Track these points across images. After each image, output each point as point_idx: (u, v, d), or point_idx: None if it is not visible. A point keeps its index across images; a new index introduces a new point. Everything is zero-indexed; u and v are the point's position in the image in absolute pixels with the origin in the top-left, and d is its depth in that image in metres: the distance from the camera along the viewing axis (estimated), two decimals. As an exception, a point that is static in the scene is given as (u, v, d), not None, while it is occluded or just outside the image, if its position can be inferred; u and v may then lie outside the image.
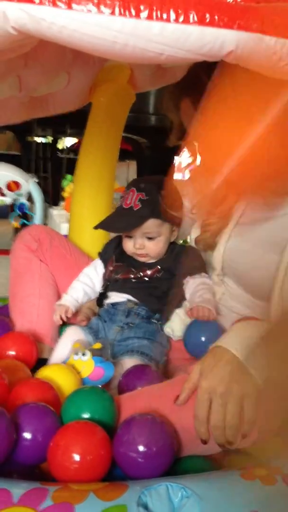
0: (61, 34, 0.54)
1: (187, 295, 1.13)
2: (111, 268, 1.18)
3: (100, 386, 0.93)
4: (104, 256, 1.22)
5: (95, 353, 0.98)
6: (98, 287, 1.21)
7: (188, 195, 1.17)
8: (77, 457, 0.70)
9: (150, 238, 1.11)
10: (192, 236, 1.20)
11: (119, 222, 1.10)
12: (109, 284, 1.18)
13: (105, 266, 1.21)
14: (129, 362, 1.02)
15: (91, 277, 1.21)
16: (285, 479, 0.70)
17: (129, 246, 1.13)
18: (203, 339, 1.01)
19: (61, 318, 1.15)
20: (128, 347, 1.07)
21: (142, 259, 1.14)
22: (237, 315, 1.03)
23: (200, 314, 1.03)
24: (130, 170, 5.06)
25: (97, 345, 0.99)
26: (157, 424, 0.75)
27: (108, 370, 0.95)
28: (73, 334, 1.11)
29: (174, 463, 0.76)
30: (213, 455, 0.83)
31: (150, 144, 3.58)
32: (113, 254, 1.20)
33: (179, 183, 1.18)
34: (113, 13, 0.51)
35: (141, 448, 0.71)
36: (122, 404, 0.84)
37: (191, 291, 1.11)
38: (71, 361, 0.98)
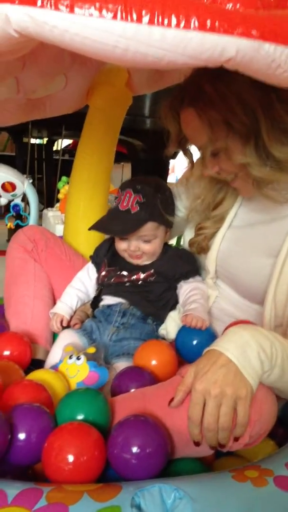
0: (62, 38, 0.54)
1: (180, 300, 1.13)
2: (104, 273, 1.17)
3: (94, 390, 0.94)
4: (96, 259, 1.22)
5: (89, 357, 0.98)
6: (92, 291, 1.21)
7: (184, 200, 1.18)
8: (71, 458, 0.70)
9: (145, 241, 1.10)
10: (186, 238, 1.20)
11: (116, 225, 1.08)
12: (103, 288, 1.18)
13: (98, 270, 1.21)
14: (125, 366, 1.01)
15: (84, 282, 1.21)
16: (276, 481, 0.70)
17: (122, 247, 1.13)
18: (194, 342, 1.02)
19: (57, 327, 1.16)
20: (123, 348, 1.07)
21: (137, 261, 1.13)
22: (230, 318, 1.04)
23: (193, 324, 1.01)
24: (124, 172, 5.07)
25: (91, 349, 0.99)
26: (150, 426, 0.75)
27: (103, 375, 0.95)
28: (67, 338, 1.11)
29: (167, 465, 0.76)
30: (206, 457, 0.84)
31: (145, 147, 3.58)
32: (104, 257, 1.19)
33: (175, 187, 1.20)
34: (115, 17, 0.51)
35: (134, 449, 0.72)
36: (115, 406, 0.84)
37: (184, 296, 1.11)
38: (64, 364, 0.97)
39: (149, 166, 3.50)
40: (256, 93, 0.84)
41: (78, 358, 0.96)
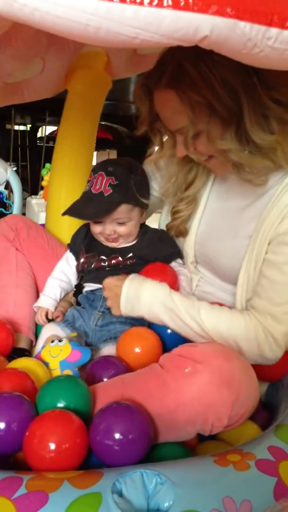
0: (33, 16, 0.52)
1: None
2: (83, 260, 1.17)
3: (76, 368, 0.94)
4: (74, 247, 1.21)
5: (72, 340, 0.98)
6: (73, 279, 1.21)
7: (159, 179, 1.18)
8: (52, 446, 0.70)
9: (120, 224, 1.09)
10: (161, 223, 1.20)
11: (90, 209, 1.07)
12: (84, 275, 1.17)
13: (77, 258, 1.20)
14: (113, 350, 1.02)
15: (65, 271, 1.21)
16: (258, 465, 0.71)
17: (98, 231, 1.12)
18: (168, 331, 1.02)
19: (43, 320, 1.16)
20: (110, 332, 1.07)
21: (113, 244, 1.13)
22: (214, 300, 1.04)
23: None
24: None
25: (73, 334, 0.99)
26: (132, 412, 0.75)
27: (85, 353, 0.96)
28: (49, 332, 1.10)
29: (150, 451, 0.76)
30: (189, 441, 0.84)
31: (130, 133, 3.55)
32: (82, 244, 1.18)
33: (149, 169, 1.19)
34: (86, -5, 0.50)
35: (117, 435, 0.72)
36: (96, 393, 0.84)
37: None
38: (47, 347, 0.97)
39: (135, 152, 3.47)
40: (239, 77, 0.82)
41: (60, 341, 0.97)
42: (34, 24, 0.54)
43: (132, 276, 1.00)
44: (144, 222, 1.18)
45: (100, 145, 4.25)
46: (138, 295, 0.96)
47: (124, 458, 0.72)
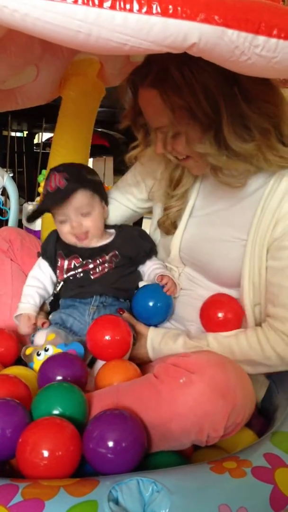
0: (24, 22, 0.53)
1: (146, 275, 1.16)
2: (66, 265, 1.15)
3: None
4: (46, 254, 1.19)
5: (55, 343, 0.97)
6: (49, 286, 1.19)
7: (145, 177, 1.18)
8: (46, 454, 0.69)
9: (84, 215, 1.10)
10: (154, 220, 1.21)
11: (50, 200, 1.09)
12: (68, 284, 1.15)
13: (51, 264, 1.18)
14: None
15: (39, 278, 1.18)
16: (254, 472, 0.70)
17: (66, 230, 1.12)
18: (150, 304, 1.08)
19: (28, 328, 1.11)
20: None
21: (84, 243, 1.12)
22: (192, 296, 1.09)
23: (169, 285, 1.08)
24: (107, 165, 5.03)
25: (51, 336, 0.99)
26: (126, 419, 0.74)
27: (78, 348, 0.96)
28: (42, 336, 1.08)
29: (145, 459, 0.76)
30: (184, 449, 0.83)
31: (126, 140, 3.56)
32: (54, 249, 1.17)
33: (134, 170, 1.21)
34: (76, 1, 0.50)
35: (110, 443, 0.71)
36: (90, 402, 0.83)
37: (151, 270, 1.15)
38: (37, 362, 0.96)
39: (131, 159, 3.46)
40: (221, 86, 0.83)
41: (46, 350, 0.96)
42: (25, 30, 0.54)
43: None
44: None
45: (97, 151, 4.25)
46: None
47: (117, 466, 0.71)
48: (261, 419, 0.97)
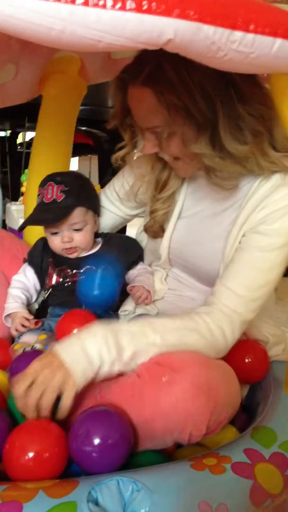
0: (-4, 20, 0.52)
1: (131, 282, 1.16)
2: (55, 275, 1.14)
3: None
4: (32, 261, 1.18)
5: (44, 344, 0.97)
6: (33, 292, 1.18)
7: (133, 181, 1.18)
8: (32, 457, 0.68)
9: (76, 230, 1.10)
10: (142, 224, 1.20)
11: (47, 215, 1.07)
12: (56, 291, 1.14)
13: (37, 271, 1.18)
14: None
15: (23, 282, 1.18)
16: (234, 468, 0.70)
17: (56, 242, 1.11)
18: (95, 293, 1.02)
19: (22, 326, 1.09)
20: None
21: (72, 255, 1.13)
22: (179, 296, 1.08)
23: (138, 294, 1.08)
24: (92, 164, 5.01)
25: (42, 336, 0.99)
26: (111, 417, 0.74)
27: None
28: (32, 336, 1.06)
29: (128, 458, 0.75)
30: (166, 448, 0.83)
31: (109, 138, 3.54)
32: (41, 257, 1.17)
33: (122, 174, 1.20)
34: (48, -2, 0.49)
35: (96, 441, 0.71)
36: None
37: (134, 276, 1.15)
38: None
39: (114, 157, 3.45)
40: (217, 86, 0.82)
41: (33, 348, 0.95)
42: (-2, 28, 0.53)
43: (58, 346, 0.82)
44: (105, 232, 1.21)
45: (82, 150, 4.24)
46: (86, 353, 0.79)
47: (103, 465, 0.71)
48: (244, 415, 0.97)
